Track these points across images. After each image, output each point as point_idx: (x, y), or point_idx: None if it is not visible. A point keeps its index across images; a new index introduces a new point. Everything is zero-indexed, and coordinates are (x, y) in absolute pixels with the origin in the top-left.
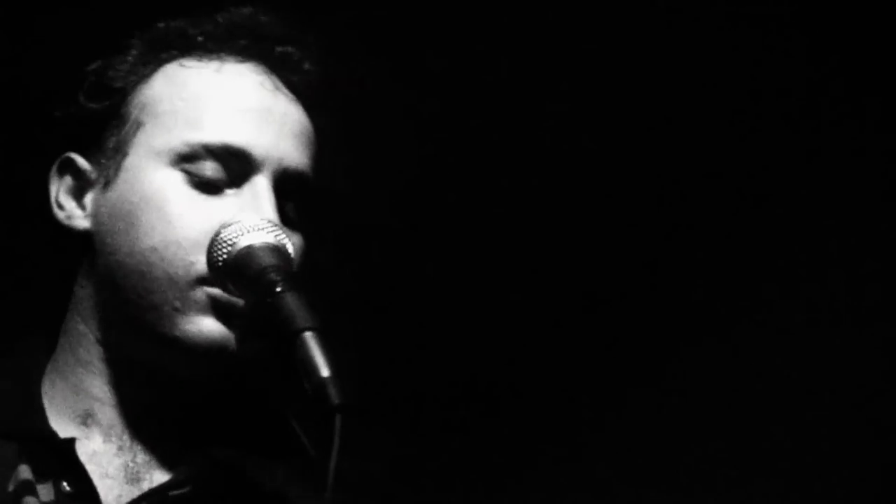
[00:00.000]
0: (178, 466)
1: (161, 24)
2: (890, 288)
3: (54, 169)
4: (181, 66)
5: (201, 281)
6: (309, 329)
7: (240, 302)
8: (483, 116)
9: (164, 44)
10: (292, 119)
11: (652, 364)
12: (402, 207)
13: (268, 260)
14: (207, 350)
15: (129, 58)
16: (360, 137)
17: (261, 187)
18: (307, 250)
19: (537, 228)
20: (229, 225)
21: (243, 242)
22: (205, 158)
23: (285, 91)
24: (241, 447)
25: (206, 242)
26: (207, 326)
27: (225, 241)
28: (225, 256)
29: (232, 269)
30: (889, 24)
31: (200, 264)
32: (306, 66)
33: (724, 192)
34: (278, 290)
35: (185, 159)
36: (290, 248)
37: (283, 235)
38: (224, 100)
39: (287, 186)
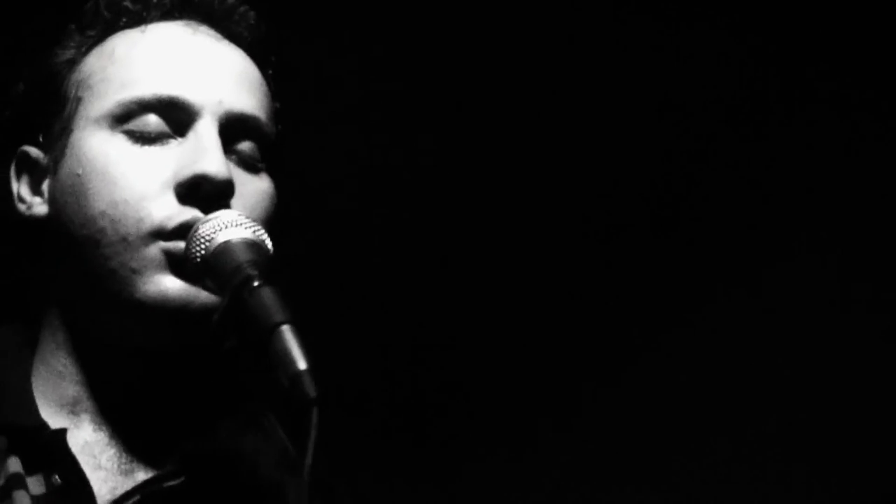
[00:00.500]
0: (172, 455)
1: (90, 5)
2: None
3: (12, 167)
4: (110, 38)
5: (154, 235)
6: (285, 323)
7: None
8: (480, 115)
9: (95, 22)
10: (229, 62)
11: (635, 360)
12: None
13: (245, 256)
14: (172, 308)
15: (69, 44)
16: (360, 136)
17: (203, 131)
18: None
19: (534, 227)
20: (207, 221)
21: (220, 238)
22: (142, 114)
23: (220, 38)
24: (233, 433)
25: (153, 195)
26: (166, 284)
27: (202, 237)
28: (203, 252)
29: (209, 265)
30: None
31: (150, 218)
32: (239, 14)
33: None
34: (255, 284)
35: (123, 119)
36: (269, 244)
37: (262, 231)
38: (152, 54)
39: (236, 129)
